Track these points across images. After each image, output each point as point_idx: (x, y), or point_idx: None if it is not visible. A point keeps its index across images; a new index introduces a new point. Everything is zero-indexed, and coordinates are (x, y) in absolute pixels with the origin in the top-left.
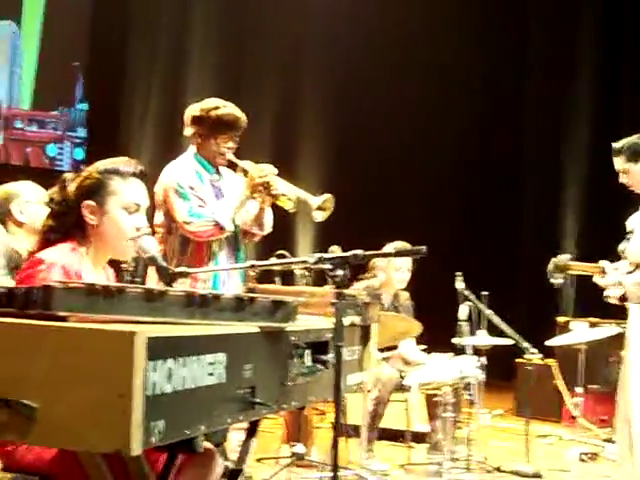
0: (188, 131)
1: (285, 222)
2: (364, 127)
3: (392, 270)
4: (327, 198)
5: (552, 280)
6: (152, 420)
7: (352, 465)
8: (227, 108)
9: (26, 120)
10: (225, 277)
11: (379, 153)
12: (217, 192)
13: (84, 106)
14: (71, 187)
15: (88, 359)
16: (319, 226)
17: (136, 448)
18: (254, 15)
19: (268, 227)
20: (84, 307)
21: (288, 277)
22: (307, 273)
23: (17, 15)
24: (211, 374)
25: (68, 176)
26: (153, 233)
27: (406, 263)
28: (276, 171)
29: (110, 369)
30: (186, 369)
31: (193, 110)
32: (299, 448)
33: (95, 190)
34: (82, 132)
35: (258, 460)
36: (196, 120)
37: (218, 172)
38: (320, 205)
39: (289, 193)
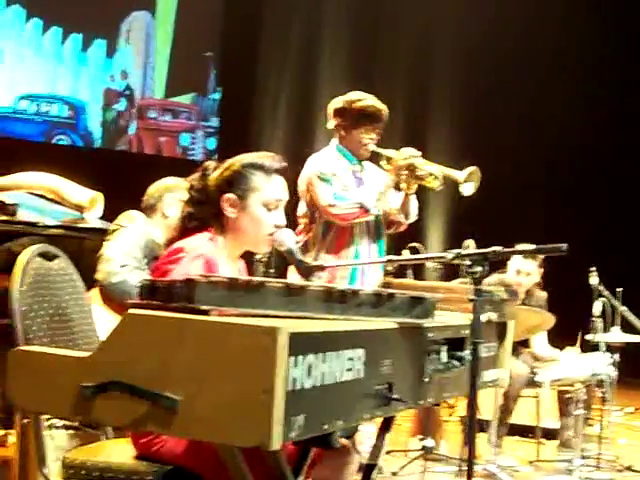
0: (331, 123)
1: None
2: (498, 114)
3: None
4: (472, 170)
5: None
6: (292, 415)
7: (481, 460)
8: (369, 100)
9: (160, 110)
10: (365, 267)
11: (514, 144)
12: (359, 182)
13: (217, 96)
14: (212, 176)
15: (230, 353)
16: (449, 218)
17: (276, 442)
18: (386, 1)
19: (413, 216)
20: (225, 301)
21: (419, 269)
22: (439, 266)
23: (152, 6)
24: (350, 369)
25: (210, 164)
26: (296, 224)
27: (527, 267)
28: (419, 153)
29: (252, 364)
30: (326, 364)
31: (336, 103)
32: (428, 442)
33: (237, 183)
34: (215, 122)
35: (387, 452)
36: (339, 112)
37: (360, 164)
38: (466, 178)
39: (435, 171)
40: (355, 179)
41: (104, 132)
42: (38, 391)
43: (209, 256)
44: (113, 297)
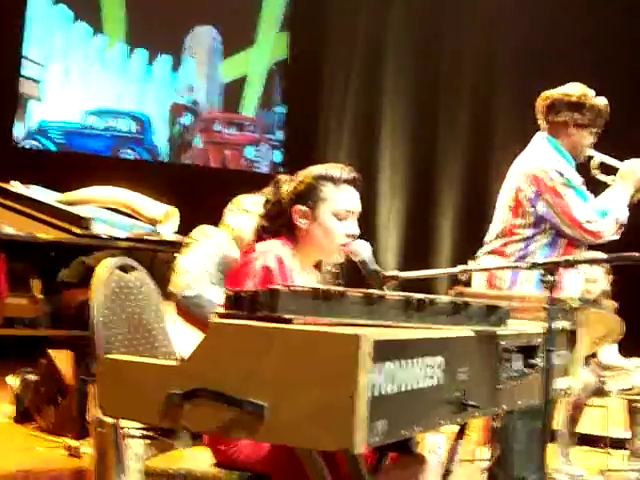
0: (560, 117)
1: (482, 221)
2: None
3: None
4: None
5: None
6: (375, 420)
7: (549, 469)
8: (601, 98)
9: (225, 123)
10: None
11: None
12: None
13: (282, 109)
14: (284, 189)
15: (315, 360)
16: None
17: (360, 447)
18: (450, 8)
19: None
20: (308, 310)
21: None
22: None
23: (215, 20)
24: (429, 376)
25: (283, 178)
26: (511, 233)
27: (593, 273)
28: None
29: (336, 370)
30: (406, 371)
31: (567, 95)
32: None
33: (307, 195)
34: (280, 135)
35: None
36: (575, 106)
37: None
38: None
39: None
40: None
41: (170, 146)
42: (126, 399)
43: (281, 255)
44: (187, 310)
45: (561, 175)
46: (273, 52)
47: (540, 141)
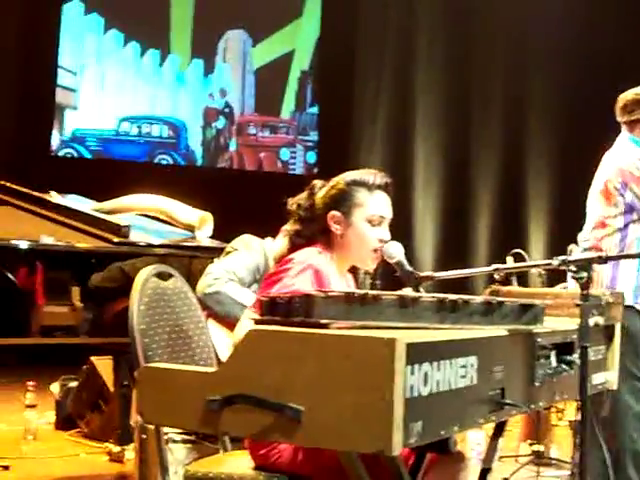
0: (633, 115)
1: (518, 219)
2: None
3: None
4: None
5: None
6: (411, 421)
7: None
8: None
9: (259, 126)
10: None
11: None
12: None
13: (315, 109)
14: (319, 195)
15: (351, 364)
16: (551, 222)
17: (397, 448)
18: (480, 5)
19: None
20: (343, 314)
21: (523, 275)
22: (543, 272)
23: (247, 24)
24: (463, 376)
25: (317, 183)
26: (603, 225)
27: None
28: None
29: (372, 374)
30: (440, 372)
31: (637, 94)
32: (539, 447)
33: (341, 201)
34: (314, 135)
35: (499, 458)
36: None
37: None
38: None
39: None
40: None
41: (205, 150)
42: (166, 406)
43: (318, 267)
44: (207, 308)
45: None
46: (305, 52)
47: (623, 139)
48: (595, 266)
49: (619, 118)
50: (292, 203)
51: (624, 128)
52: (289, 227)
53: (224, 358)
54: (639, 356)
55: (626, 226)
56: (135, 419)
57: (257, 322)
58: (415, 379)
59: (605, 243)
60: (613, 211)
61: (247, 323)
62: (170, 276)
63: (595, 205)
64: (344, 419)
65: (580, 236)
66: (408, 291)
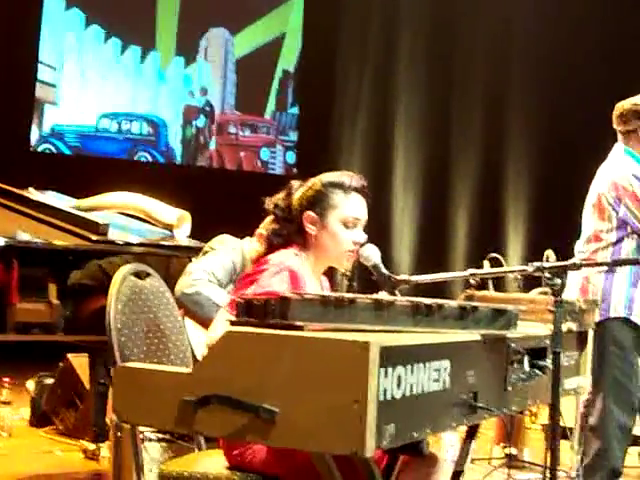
0: (629, 125)
1: (497, 221)
2: (576, 119)
3: None
4: None
5: None
6: (384, 424)
7: (564, 467)
8: None
9: (239, 125)
10: None
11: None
12: None
13: (295, 110)
14: (296, 195)
15: (325, 366)
16: (530, 225)
17: (370, 450)
18: (463, 6)
19: None
20: (318, 317)
21: (499, 279)
22: (519, 277)
23: (229, 22)
24: (437, 380)
25: (295, 184)
26: (597, 239)
27: None
28: None
29: (346, 376)
30: (414, 376)
31: (635, 104)
32: (512, 450)
33: (317, 202)
34: (293, 136)
35: (471, 461)
36: None
37: None
38: None
39: None
40: None
41: (184, 148)
42: (142, 405)
43: (294, 269)
44: (184, 308)
45: (639, 180)
46: (287, 53)
47: (618, 151)
48: (590, 278)
49: (615, 126)
50: (269, 203)
51: (620, 138)
52: (266, 227)
53: (201, 357)
54: (629, 367)
55: (619, 240)
56: (111, 417)
57: (233, 323)
58: (389, 382)
59: (599, 256)
60: (606, 225)
61: (222, 324)
62: (148, 275)
63: (589, 218)
64: (318, 421)
65: (576, 247)
66: (384, 294)
